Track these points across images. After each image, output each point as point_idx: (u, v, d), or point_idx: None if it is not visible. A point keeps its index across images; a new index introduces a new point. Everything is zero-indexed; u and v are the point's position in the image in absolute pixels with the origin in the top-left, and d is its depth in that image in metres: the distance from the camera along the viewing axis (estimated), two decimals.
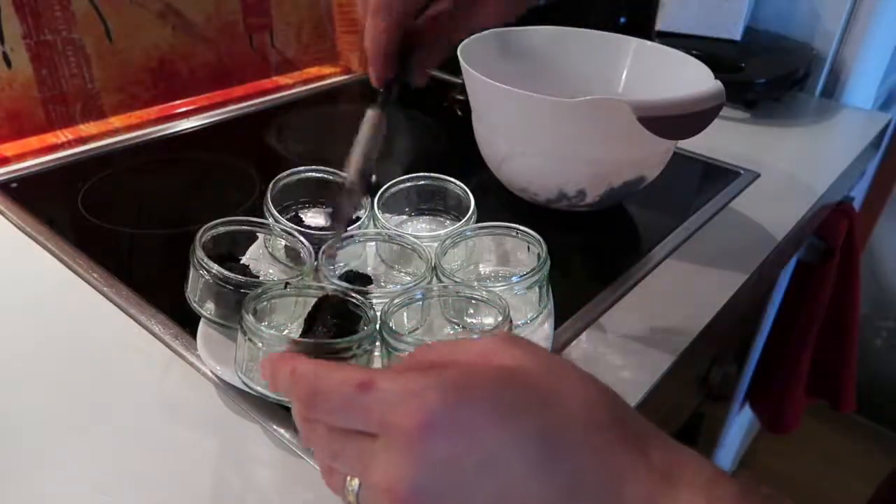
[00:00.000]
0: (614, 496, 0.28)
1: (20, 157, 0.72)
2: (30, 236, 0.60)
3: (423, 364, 0.31)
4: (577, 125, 0.58)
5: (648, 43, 0.64)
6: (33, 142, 0.74)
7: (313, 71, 1.00)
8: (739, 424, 1.33)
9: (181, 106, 0.86)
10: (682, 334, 0.53)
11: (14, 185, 0.68)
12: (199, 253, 0.46)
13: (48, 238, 0.59)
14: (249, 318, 0.41)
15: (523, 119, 0.60)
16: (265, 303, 0.46)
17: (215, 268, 0.46)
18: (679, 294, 0.58)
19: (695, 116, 0.55)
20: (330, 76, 1.01)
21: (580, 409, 0.29)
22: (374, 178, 0.50)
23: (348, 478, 0.31)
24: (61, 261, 0.57)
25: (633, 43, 0.69)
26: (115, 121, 0.80)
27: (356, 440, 0.30)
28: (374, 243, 0.56)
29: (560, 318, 0.52)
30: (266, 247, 0.54)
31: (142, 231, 0.64)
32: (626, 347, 0.52)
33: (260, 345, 0.41)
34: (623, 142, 0.58)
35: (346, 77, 1.02)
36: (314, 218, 0.58)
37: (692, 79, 0.62)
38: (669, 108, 0.54)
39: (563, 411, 0.28)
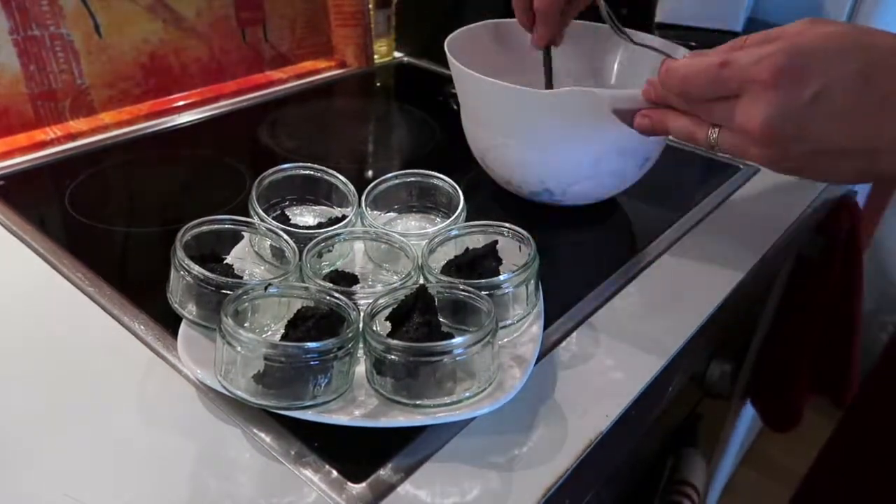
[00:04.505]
0: None
1: (8, 154, 0.71)
2: (15, 235, 0.59)
3: (755, 40, 0.44)
4: (554, 117, 0.57)
5: (639, 34, 0.63)
6: (21, 139, 0.73)
7: (307, 65, 0.99)
8: (743, 421, 1.31)
9: (172, 101, 0.85)
10: (678, 333, 0.52)
11: (1, 182, 0.67)
12: (180, 253, 0.45)
13: (33, 237, 0.59)
14: (228, 322, 0.40)
15: (501, 110, 0.59)
16: (247, 304, 0.45)
17: (196, 268, 0.45)
18: (674, 292, 0.57)
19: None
20: (324, 70, 0.99)
21: (892, 50, 0.40)
22: None
23: (709, 129, 0.46)
24: (46, 260, 0.56)
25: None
26: (106, 117, 0.80)
27: (722, 103, 0.44)
28: (363, 242, 0.55)
29: (550, 317, 0.51)
30: (252, 246, 0.53)
31: (130, 229, 0.63)
32: (619, 347, 0.50)
33: (239, 348, 0.40)
34: (603, 134, 0.57)
35: (341, 71, 1.01)
36: (301, 216, 0.58)
37: None
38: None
39: (878, 52, 0.40)
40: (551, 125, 0.58)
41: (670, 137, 0.62)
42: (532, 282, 0.48)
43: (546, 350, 0.49)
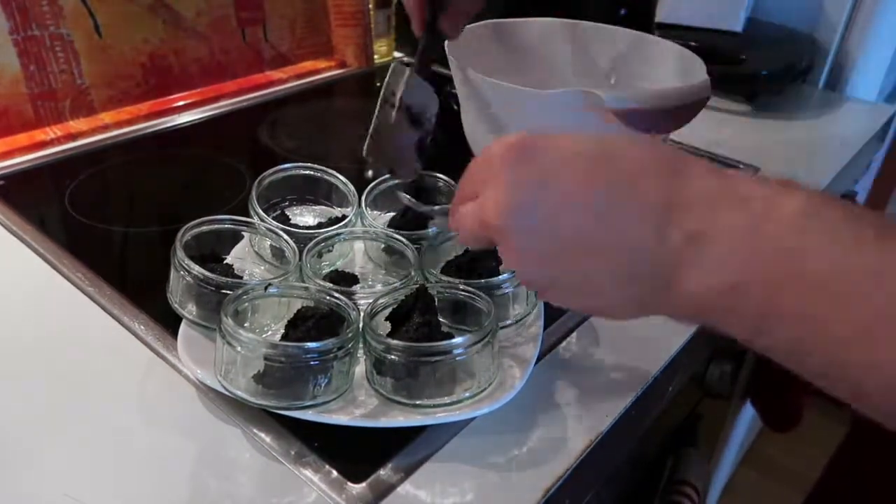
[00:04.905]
0: (674, 183, 0.32)
1: (8, 154, 0.71)
2: (15, 235, 0.59)
3: None
4: (554, 117, 0.57)
5: (640, 34, 0.63)
6: (22, 139, 0.73)
7: (307, 65, 0.99)
8: (743, 421, 1.31)
9: (172, 102, 0.85)
10: (677, 333, 0.52)
11: (1, 182, 0.67)
12: (180, 253, 0.45)
13: (33, 237, 0.59)
14: (228, 322, 0.40)
15: (500, 109, 0.59)
16: (247, 304, 0.45)
17: (196, 269, 0.45)
18: None
19: (674, 110, 0.53)
20: (324, 70, 0.99)
21: (630, 143, 0.34)
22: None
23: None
24: (46, 260, 0.56)
25: (625, 34, 0.67)
26: (106, 117, 0.79)
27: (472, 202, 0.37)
28: (363, 242, 0.55)
29: (550, 317, 0.51)
30: (252, 245, 0.53)
31: (130, 229, 0.63)
32: (618, 347, 0.50)
33: (239, 348, 0.40)
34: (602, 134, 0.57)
35: (341, 71, 1.01)
36: (301, 216, 0.58)
37: (685, 71, 0.61)
38: (646, 100, 0.52)
39: (616, 144, 0.34)
40: (551, 125, 0.57)
41: (676, 135, 0.62)
42: None
43: (546, 350, 0.49)
